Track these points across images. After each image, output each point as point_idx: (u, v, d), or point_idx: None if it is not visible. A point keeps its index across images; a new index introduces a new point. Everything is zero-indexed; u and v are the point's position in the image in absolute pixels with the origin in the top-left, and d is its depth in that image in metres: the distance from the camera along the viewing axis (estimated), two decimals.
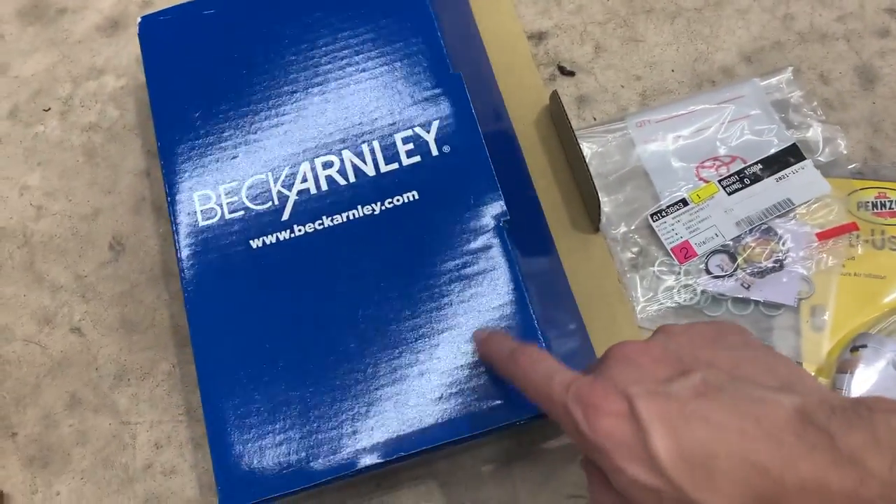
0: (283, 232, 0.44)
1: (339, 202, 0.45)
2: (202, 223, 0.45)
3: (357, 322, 0.42)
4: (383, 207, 0.44)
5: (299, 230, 0.44)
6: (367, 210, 0.44)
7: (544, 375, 0.33)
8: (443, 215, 0.44)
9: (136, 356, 0.49)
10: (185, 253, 0.44)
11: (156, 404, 0.48)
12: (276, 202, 0.45)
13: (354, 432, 0.40)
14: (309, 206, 0.45)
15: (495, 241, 0.43)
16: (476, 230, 0.43)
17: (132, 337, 0.50)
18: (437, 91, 0.46)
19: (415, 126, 0.46)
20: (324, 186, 0.45)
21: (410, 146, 0.45)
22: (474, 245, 0.43)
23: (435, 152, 0.45)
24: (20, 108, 0.56)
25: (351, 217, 0.44)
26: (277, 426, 0.40)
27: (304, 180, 0.45)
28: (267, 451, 0.40)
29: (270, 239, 0.44)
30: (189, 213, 0.45)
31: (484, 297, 0.42)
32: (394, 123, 0.46)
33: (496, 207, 0.44)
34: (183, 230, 0.45)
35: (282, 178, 0.45)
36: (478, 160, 0.45)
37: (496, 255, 0.43)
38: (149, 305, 0.50)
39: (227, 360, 0.42)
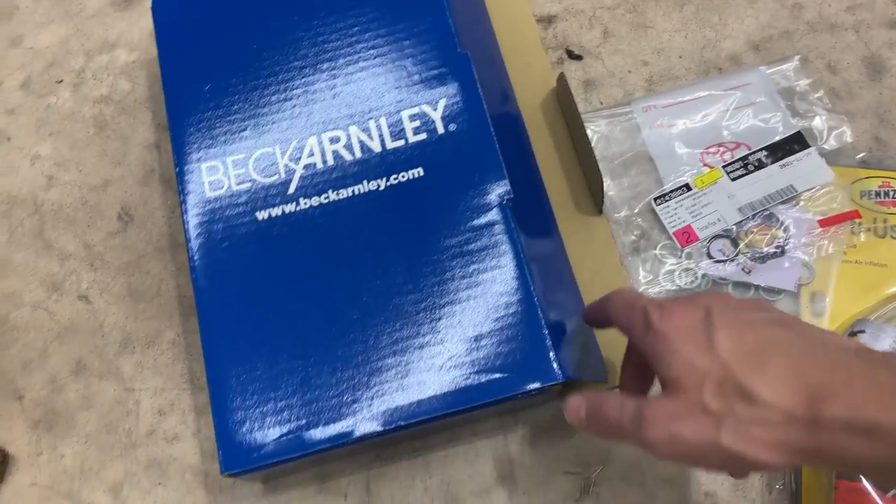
0: (288, 205, 0.45)
1: (345, 177, 0.45)
2: (209, 194, 0.45)
3: (360, 294, 0.43)
4: (389, 183, 0.45)
5: (305, 203, 0.45)
6: (373, 185, 0.45)
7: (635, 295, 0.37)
8: (447, 192, 0.44)
9: (141, 324, 0.50)
10: (192, 223, 0.45)
11: (160, 372, 0.49)
12: (283, 175, 0.45)
13: (354, 401, 0.41)
14: (315, 181, 0.45)
15: (499, 218, 0.44)
16: (480, 207, 0.44)
17: (138, 306, 0.50)
18: (444, 70, 0.47)
19: (422, 104, 0.46)
20: (330, 161, 0.45)
21: (417, 123, 0.46)
22: (478, 222, 0.44)
23: (441, 130, 0.46)
24: (33, 79, 0.57)
25: (356, 192, 0.45)
26: (279, 394, 0.41)
27: (311, 154, 0.46)
28: (268, 418, 0.41)
29: (276, 211, 0.45)
30: (197, 184, 0.45)
31: (486, 273, 0.43)
32: (401, 101, 0.46)
33: (500, 186, 0.44)
34: (190, 200, 0.45)
35: (289, 151, 0.46)
36: (483, 139, 0.45)
37: (499, 233, 0.43)
38: (155, 275, 0.51)
39: (231, 329, 0.43)
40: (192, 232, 0.44)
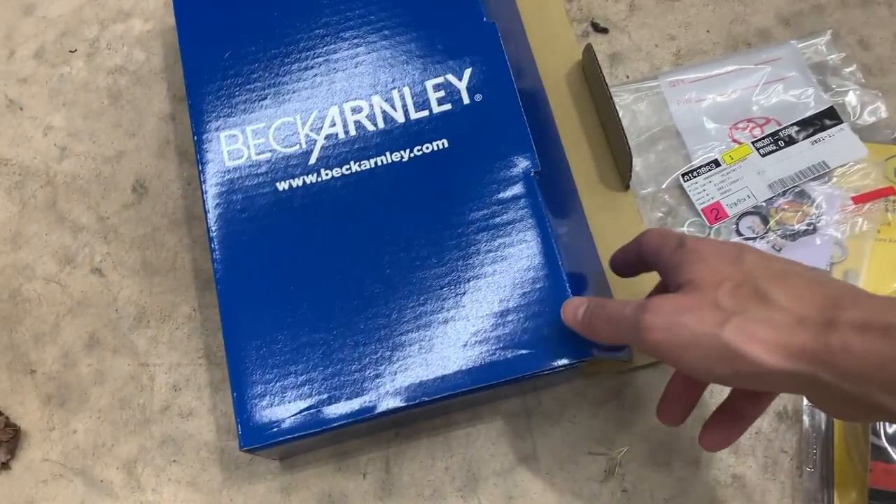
0: (309, 175, 0.44)
1: (368, 148, 0.44)
2: (228, 164, 0.44)
3: (383, 267, 0.42)
4: (412, 155, 0.44)
5: (326, 174, 0.43)
6: (396, 157, 0.44)
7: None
8: (472, 164, 0.43)
9: (156, 298, 0.49)
10: (210, 192, 0.44)
11: (175, 347, 0.48)
12: (304, 146, 0.44)
13: (377, 376, 0.40)
14: (337, 151, 0.44)
15: (525, 191, 0.42)
16: (506, 180, 0.43)
17: (153, 279, 0.49)
18: (470, 39, 0.46)
19: (447, 74, 0.45)
20: (352, 132, 0.44)
21: (442, 93, 0.45)
22: (504, 195, 0.42)
23: (466, 101, 0.44)
24: (46, 48, 0.56)
25: (379, 163, 0.44)
26: (300, 367, 0.40)
27: (333, 125, 0.45)
28: (288, 392, 0.40)
29: (297, 182, 0.43)
30: (216, 153, 0.44)
31: (512, 248, 0.42)
32: (425, 70, 0.45)
33: (527, 158, 0.43)
34: (209, 170, 0.44)
35: (310, 121, 0.45)
36: (510, 109, 0.44)
37: (525, 206, 0.42)
38: (170, 248, 0.50)
39: (251, 301, 0.41)
40: (211, 202, 0.43)
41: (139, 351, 0.48)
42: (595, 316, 0.36)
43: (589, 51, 0.49)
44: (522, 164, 0.43)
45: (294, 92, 0.45)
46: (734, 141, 0.50)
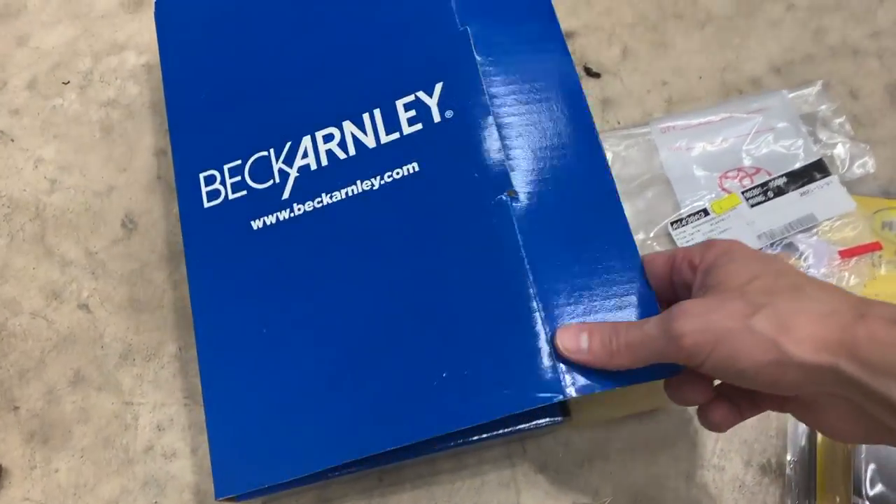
0: (283, 212, 0.43)
1: (339, 177, 0.42)
2: (207, 204, 0.44)
3: (355, 306, 0.40)
4: (382, 182, 0.42)
5: (299, 209, 0.43)
6: (367, 185, 0.42)
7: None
8: (444, 187, 0.41)
9: (142, 336, 0.49)
10: (188, 235, 0.43)
11: (160, 386, 0.47)
12: (278, 179, 0.43)
13: (355, 422, 0.39)
14: (309, 183, 0.43)
15: (494, 213, 0.39)
16: (473, 203, 0.40)
17: (140, 317, 0.49)
18: (441, 50, 0.43)
19: (417, 91, 0.43)
20: (324, 161, 0.43)
21: (412, 112, 0.42)
22: (471, 219, 0.40)
23: (437, 118, 0.42)
24: (39, 79, 0.56)
25: (350, 193, 0.42)
26: (277, 413, 0.40)
27: (305, 155, 0.43)
28: (266, 438, 0.39)
29: (270, 219, 0.43)
30: (195, 195, 0.44)
31: (485, 274, 0.39)
32: (396, 88, 0.43)
33: (501, 177, 0.40)
34: (187, 212, 0.44)
35: (283, 154, 0.44)
36: (481, 124, 0.41)
37: (499, 230, 0.39)
38: (158, 286, 0.50)
39: (228, 345, 0.41)
40: (189, 246, 0.43)
41: (124, 389, 0.48)
42: (612, 344, 0.34)
43: None
44: (496, 183, 0.40)
45: (270, 126, 0.45)
46: (724, 190, 0.50)
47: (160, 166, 0.53)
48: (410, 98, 0.43)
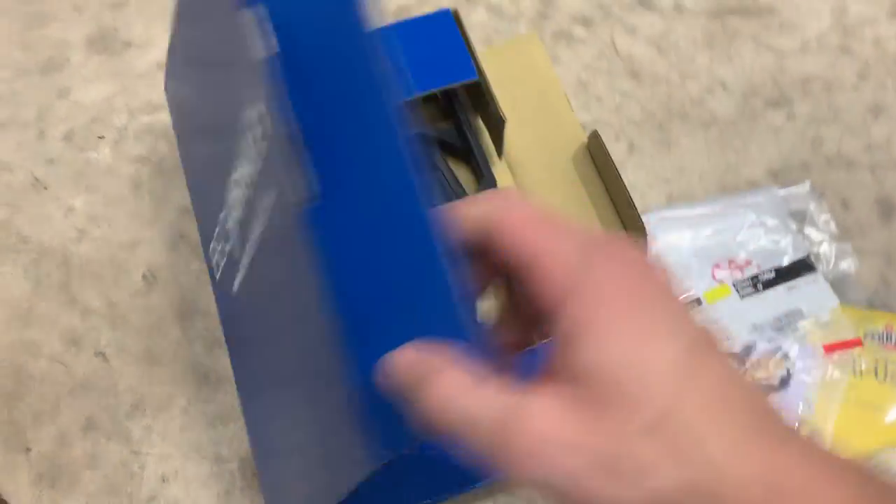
0: (223, 297, 0.47)
1: (235, 247, 0.42)
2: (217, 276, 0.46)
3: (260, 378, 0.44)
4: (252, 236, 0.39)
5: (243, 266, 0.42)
6: (249, 247, 0.40)
7: None
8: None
9: (154, 388, 0.51)
10: (221, 309, 0.47)
11: (167, 438, 0.50)
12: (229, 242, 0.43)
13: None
14: (228, 261, 0.43)
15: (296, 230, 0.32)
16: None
17: (153, 369, 0.51)
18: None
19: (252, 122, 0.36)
20: (234, 230, 0.42)
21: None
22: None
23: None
24: (76, 132, 0.59)
25: (244, 259, 0.41)
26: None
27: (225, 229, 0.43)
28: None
29: (238, 280, 0.42)
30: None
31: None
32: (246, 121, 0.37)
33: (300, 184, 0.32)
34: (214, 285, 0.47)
35: (225, 214, 0.42)
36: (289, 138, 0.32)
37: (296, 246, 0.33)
38: (173, 340, 0.52)
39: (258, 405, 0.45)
40: (223, 316, 0.47)
41: (133, 439, 0.50)
42: (426, 397, 0.23)
43: (596, 136, 0.52)
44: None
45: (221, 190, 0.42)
46: (715, 280, 0.53)
47: (185, 224, 0.55)
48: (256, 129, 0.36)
